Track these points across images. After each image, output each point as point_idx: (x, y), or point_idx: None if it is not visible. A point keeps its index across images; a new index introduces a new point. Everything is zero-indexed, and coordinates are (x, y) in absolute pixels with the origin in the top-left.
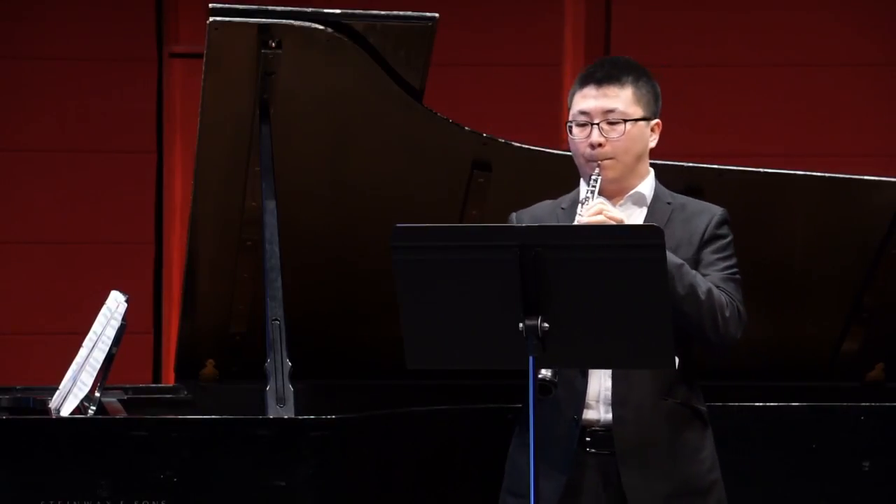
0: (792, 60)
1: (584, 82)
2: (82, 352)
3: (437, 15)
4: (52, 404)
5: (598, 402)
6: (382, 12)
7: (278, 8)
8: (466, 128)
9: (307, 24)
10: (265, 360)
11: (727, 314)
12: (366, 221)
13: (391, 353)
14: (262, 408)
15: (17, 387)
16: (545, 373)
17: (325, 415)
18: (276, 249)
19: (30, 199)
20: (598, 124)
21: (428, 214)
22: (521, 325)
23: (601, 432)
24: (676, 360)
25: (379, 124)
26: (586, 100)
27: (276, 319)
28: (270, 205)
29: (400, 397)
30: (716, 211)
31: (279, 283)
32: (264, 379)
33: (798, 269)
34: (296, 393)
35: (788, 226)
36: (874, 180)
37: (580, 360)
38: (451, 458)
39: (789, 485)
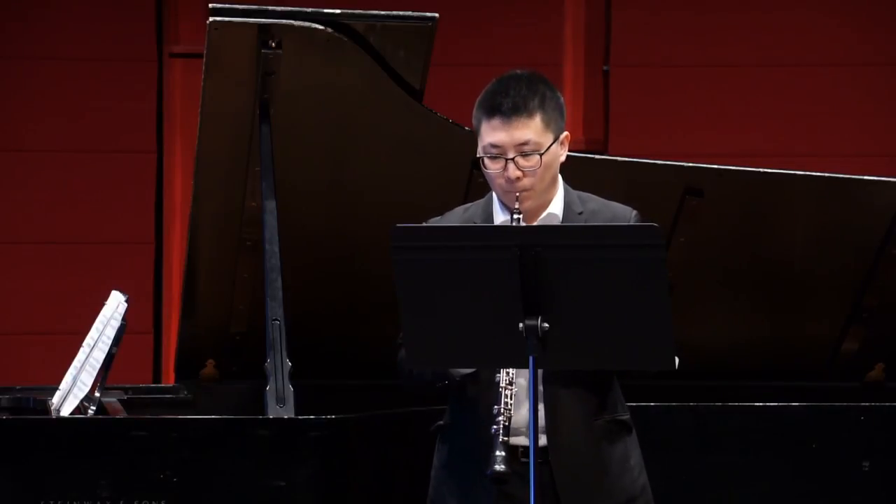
0: (792, 60)
1: (491, 113)
2: (82, 352)
3: (437, 15)
4: (53, 404)
5: (528, 428)
6: (382, 12)
7: (278, 8)
8: (466, 128)
9: (307, 24)
10: (265, 360)
11: None
12: (366, 221)
13: (391, 353)
14: (262, 408)
15: (17, 387)
16: (500, 466)
17: (325, 415)
18: (276, 249)
19: (30, 199)
20: (512, 159)
21: (428, 215)
22: (521, 325)
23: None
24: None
25: (379, 124)
26: (496, 133)
27: (276, 319)
28: (270, 205)
29: (400, 397)
30: (627, 215)
31: (279, 283)
32: (264, 379)
33: (798, 269)
34: (296, 393)
35: (788, 226)
36: (874, 180)
37: (580, 360)
38: None
39: (789, 485)
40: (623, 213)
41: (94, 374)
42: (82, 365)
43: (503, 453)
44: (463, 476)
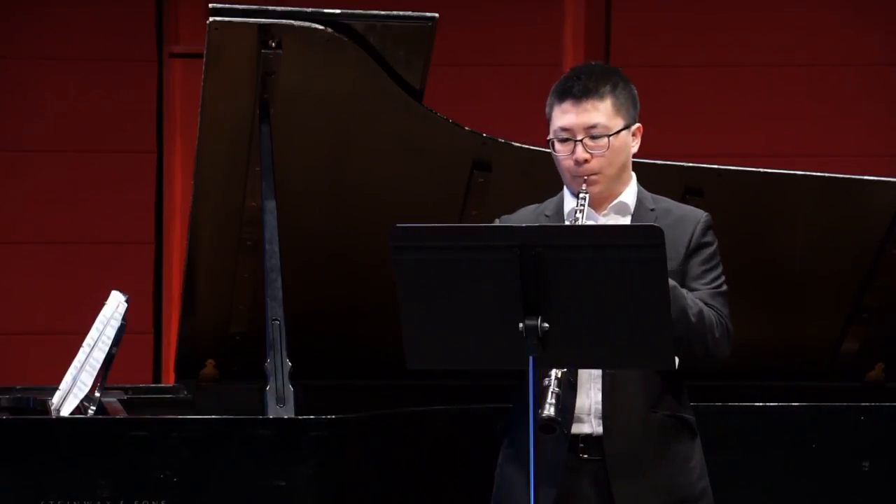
0: (792, 60)
1: (562, 97)
2: (82, 352)
3: (436, 15)
4: (53, 404)
5: (588, 415)
6: (382, 12)
7: (278, 8)
8: (466, 128)
9: (307, 24)
10: (265, 360)
11: (717, 334)
12: (366, 221)
13: (391, 353)
14: (262, 408)
15: (17, 387)
16: (549, 412)
17: (325, 415)
18: (276, 249)
19: (30, 199)
20: (580, 140)
21: (428, 214)
22: (521, 325)
23: (593, 439)
24: (677, 360)
25: (379, 124)
26: (567, 115)
27: (276, 319)
28: (270, 205)
29: (400, 397)
30: (699, 217)
31: (279, 283)
32: (264, 379)
33: (798, 269)
34: (296, 393)
35: (788, 226)
36: (874, 180)
37: (580, 360)
38: (451, 458)
39: (789, 485)
40: (693, 215)
41: (94, 374)
42: (82, 365)
43: (554, 401)
44: (526, 469)
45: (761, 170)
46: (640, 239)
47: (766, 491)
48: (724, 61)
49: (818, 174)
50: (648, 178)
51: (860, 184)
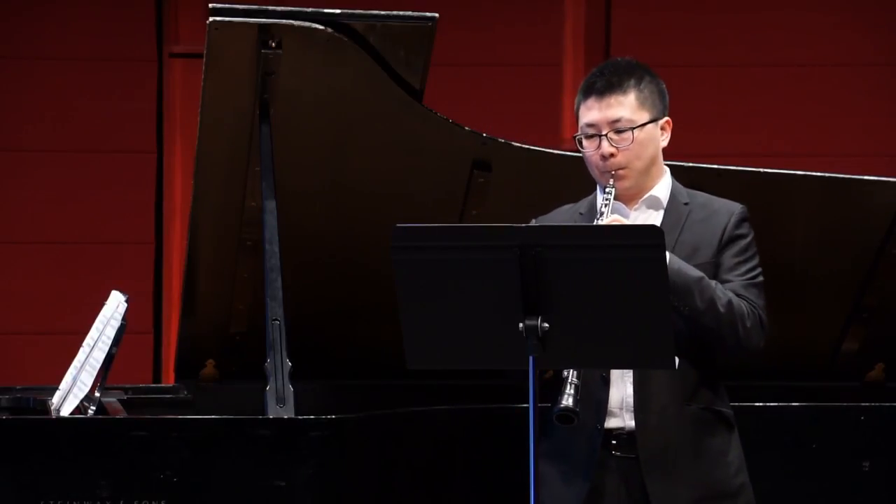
0: (792, 60)
1: (587, 93)
2: (82, 352)
3: (436, 15)
4: (53, 404)
5: (621, 409)
6: (382, 12)
7: (278, 8)
8: (466, 128)
9: (307, 24)
10: (265, 360)
11: (748, 324)
12: (366, 221)
13: (391, 353)
14: (262, 408)
15: (17, 387)
16: (567, 402)
17: (325, 415)
18: (276, 249)
19: (30, 199)
20: (605, 135)
21: (428, 214)
22: (521, 325)
23: (626, 436)
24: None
25: (379, 124)
26: (591, 112)
27: (276, 319)
28: (270, 205)
29: (400, 397)
30: (734, 209)
31: (279, 283)
32: (264, 379)
33: (798, 269)
34: (296, 393)
35: (788, 226)
36: (874, 180)
37: (580, 360)
38: (452, 458)
39: (789, 485)
40: (728, 207)
41: (94, 374)
42: (82, 365)
43: (572, 392)
44: (556, 471)
45: (761, 170)
46: (641, 239)
47: (766, 491)
48: (724, 61)
49: (818, 174)
50: None
51: (860, 184)
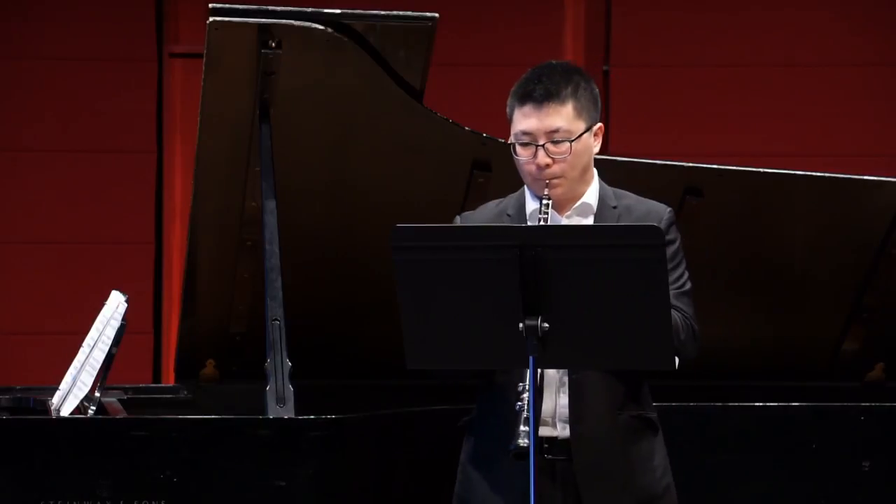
0: (792, 60)
1: (523, 100)
2: (82, 352)
3: (437, 15)
4: (53, 404)
5: (553, 418)
6: (382, 12)
7: (278, 8)
8: (466, 128)
9: (307, 24)
10: (265, 360)
11: (682, 337)
12: (366, 221)
13: (391, 353)
14: (262, 408)
15: (17, 387)
16: (524, 442)
17: (325, 415)
18: (276, 249)
19: (30, 199)
20: (542, 145)
21: (428, 214)
22: (521, 325)
23: (560, 442)
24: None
25: (379, 124)
26: (528, 119)
27: (276, 319)
28: (270, 205)
29: (400, 397)
30: (662, 213)
31: (279, 283)
32: (264, 379)
33: (798, 269)
34: (296, 393)
35: (788, 226)
36: (874, 180)
37: (580, 361)
38: (452, 458)
39: (789, 485)
40: (657, 210)
41: (94, 374)
42: (82, 365)
43: (527, 428)
44: (490, 469)
45: (761, 170)
46: (641, 239)
47: (766, 491)
48: (724, 61)
49: (818, 174)
50: (649, 178)
51: (860, 184)
